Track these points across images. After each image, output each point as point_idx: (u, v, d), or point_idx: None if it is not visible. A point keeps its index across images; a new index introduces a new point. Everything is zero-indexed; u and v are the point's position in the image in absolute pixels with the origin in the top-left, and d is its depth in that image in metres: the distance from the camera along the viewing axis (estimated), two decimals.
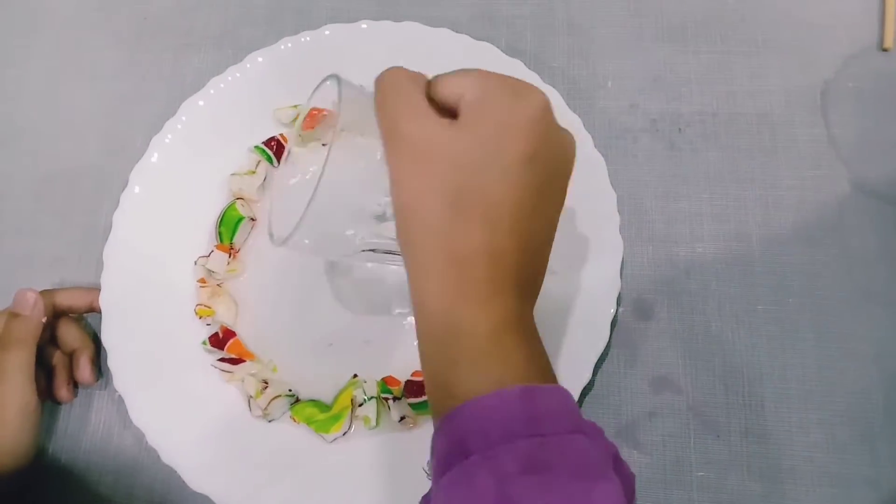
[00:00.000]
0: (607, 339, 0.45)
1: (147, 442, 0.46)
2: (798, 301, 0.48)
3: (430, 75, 0.36)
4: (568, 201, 0.49)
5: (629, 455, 0.46)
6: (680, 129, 0.53)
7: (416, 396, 0.46)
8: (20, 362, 0.45)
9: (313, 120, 0.53)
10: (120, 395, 0.47)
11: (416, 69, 0.53)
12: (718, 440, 0.46)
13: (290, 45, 0.55)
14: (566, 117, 0.50)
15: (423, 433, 0.46)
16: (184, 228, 0.52)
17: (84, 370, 0.48)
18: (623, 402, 0.47)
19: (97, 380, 0.49)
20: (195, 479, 0.45)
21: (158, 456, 0.46)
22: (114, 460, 0.49)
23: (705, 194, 0.51)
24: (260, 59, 0.54)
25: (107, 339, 0.48)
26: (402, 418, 0.46)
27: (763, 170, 0.51)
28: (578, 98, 0.53)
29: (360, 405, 0.47)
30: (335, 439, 0.46)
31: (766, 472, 0.45)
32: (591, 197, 0.49)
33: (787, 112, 0.53)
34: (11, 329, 0.46)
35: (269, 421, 0.47)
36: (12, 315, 0.46)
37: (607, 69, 0.55)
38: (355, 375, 0.48)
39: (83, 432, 0.50)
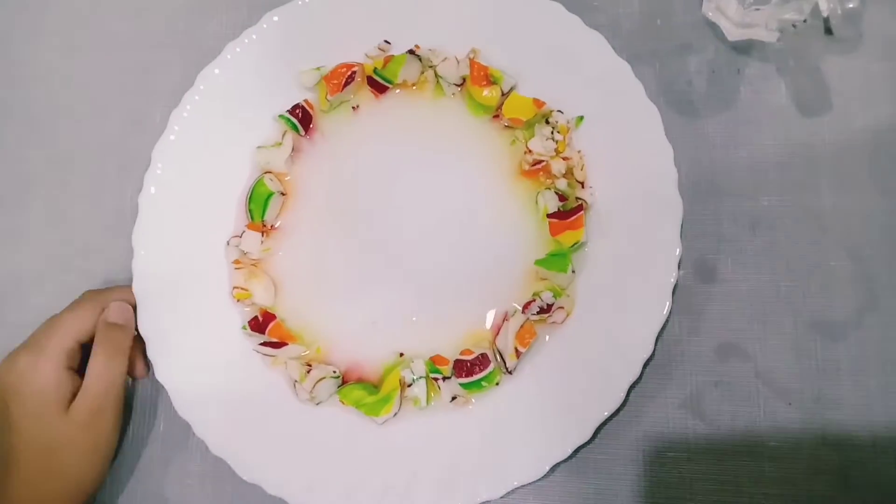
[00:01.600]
0: (669, 307, 0.42)
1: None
2: (875, 255, 0.44)
3: None
4: (621, 158, 0.46)
5: (695, 427, 0.43)
6: (738, 70, 0.48)
7: (467, 376, 0.44)
8: (122, 372, 0.46)
9: (340, 79, 0.49)
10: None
11: (443, 14, 0.49)
12: (790, 408, 0.43)
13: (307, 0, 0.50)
14: (613, 64, 0.46)
15: (477, 411, 0.44)
16: (212, 207, 0.50)
17: (138, 365, 0.48)
18: (687, 372, 0.44)
19: (147, 373, 0.48)
20: (247, 469, 0.44)
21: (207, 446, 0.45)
22: (163, 450, 0.48)
23: (769, 140, 0.47)
24: (276, 18, 0.51)
25: (144, 329, 0.47)
26: (454, 398, 0.45)
27: (833, 110, 0.47)
28: (624, 41, 0.48)
29: (409, 385, 0.45)
30: (385, 421, 0.45)
31: (843, 441, 0.42)
32: (645, 151, 0.45)
33: (860, 42, 0.47)
34: (116, 341, 0.46)
35: (317, 404, 0.46)
36: (111, 325, 0.46)
37: (654, 7, 0.50)
38: (402, 354, 0.46)
39: (130, 422, 0.49)
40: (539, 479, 0.42)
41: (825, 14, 0.43)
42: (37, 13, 0.59)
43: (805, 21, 0.43)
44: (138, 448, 0.49)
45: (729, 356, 0.44)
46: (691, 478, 0.43)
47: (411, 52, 0.49)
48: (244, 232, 0.48)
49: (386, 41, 0.50)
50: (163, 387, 0.46)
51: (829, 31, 0.44)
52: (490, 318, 0.46)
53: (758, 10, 0.44)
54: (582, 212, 0.45)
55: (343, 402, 0.45)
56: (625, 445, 0.44)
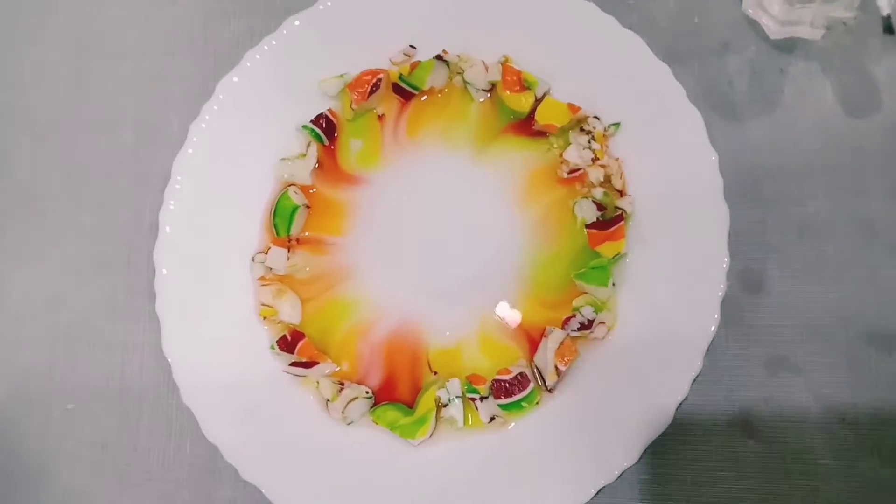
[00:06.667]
0: (717, 322, 0.40)
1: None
2: None
3: None
4: (662, 165, 0.44)
5: (744, 444, 0.42)
6: (781, 70, 0.46)
7: (506, 396, 0.42)
8: None
9: (364, 87, 0.47)
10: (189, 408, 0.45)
11: (471, 17, 0.47)
12: (844, 423, 0.41)
13: (329, 3, 0.48)
14: (652, 66, 0.44)
15: (516, 432, 0.43)
16: (235, 222, 0.48)
17: None
18: (735, 387, 0.43)
19: None
20: (279, 495, 0.42)
21: (236, 470, 0.43)
22: (190, 474, 0.47)
23: (815, 143, 0.45)
24: (297, 24, 0.48)
25: (168, 350, 0.45)
26: (493, 419, 0.43)
27: (882, 110, 0.45)
28: (661, 41, 0.46)
29: (445, 406, 0.43)
30: (421, 443, 0.43)
31: None
32: (687, 158, 0.43)
33: None
34: None
35: (348, 424, 0.44)
36: None
37: (691, 4, 0.48)
38: (435, 373, 0.45)
39: (155, 445, 0.48)
40: None
41: (885, 13, 0.41)
42: (42, 17, 0.57)
43: (855, 18, 0.41)
44: (164, 472, 0.47)
45: (779, 370, 0.42)
46: (742, 498, 0.41)
47: (439, 57, 0.47)
48: (270, 248, 0.47)
49: (411, 46, 0.48)
50: (189, 409, 0.44)
51: (889, 29, 0.42)
52: (518, 328, 0.44)
53: (804, 7, 0.42)
54: (622, 222, 0.43)
55: (377, 423, 0.44)
56: (671, 465, 0.42)
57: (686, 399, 0.41)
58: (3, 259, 0.53)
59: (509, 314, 0.45)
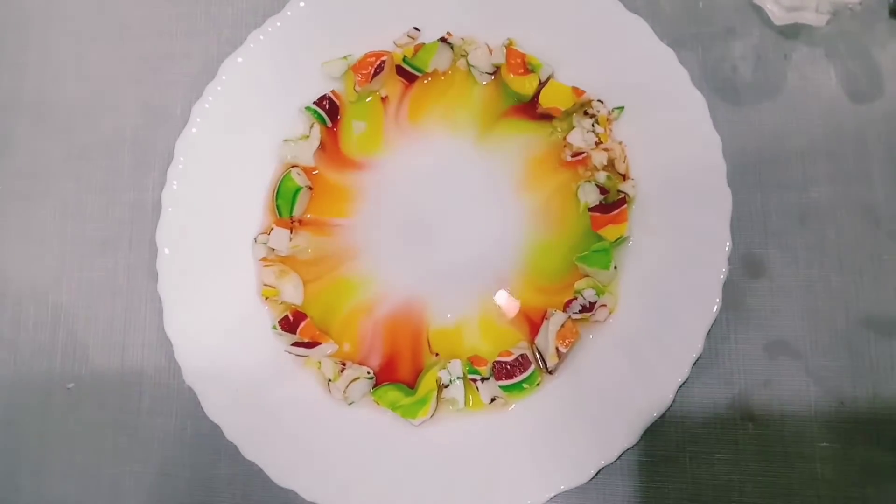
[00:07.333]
0: (719, 305, 0.40)
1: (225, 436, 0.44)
2: None
3: None
4: (666, 149, 0.44)
5: (743, 427, 0.42)
6: (785, 55, 0.46)
7: (507, 378, 0.42)
8: None
9: (368, 69, 0.47)
10: (190, 387, 0.45)
11: (475, 3, 0.47)
12: (843, 407, 0.41)
13: None
14: (657, 50, 0.44)
15: (517, 413, 0.43)
16: (238, 203, 0.48)
17: None
18: (735, 370, 0.43)
19: None
20: (280, 474, 0.42)
21: (238, 449, 0.43)
22: (190, 453, 0.47)
23: (818, 129, 0.45)
24: (302, 5, 0.48)
25: (170, 330, 0.45)
26: (493, 399, 0.43)
27: (885, 96, 0.45)
28: (665, 25, 0.46)
29: (446, 387, 0.44)
30: (422, 423, 0.43)
31: None
32: (691, 142, 0.43)
33: None
34: None
35: (350, 404, 0.44)
36: None
37: None
38: (436, 354, 0.45)
39: (156, 424, 0.48)
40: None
41: None
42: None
43: (862, 3, 0.41)
44: (165, 451, 0.47)
45: (778, 354, 0.43)
46: (741, 480, 0.42)
47: (443, 39, 0.47)
48: (272, 228, 0.47)
49: (415, 28, 0.48)
50: (190, 389, 0.45)
51: (894, 13, 0.42)
52: (516, 310, 0.44)
53: None
54: (625, 205, 0.43)
55: (378, 404, 0.44)
56: (670, 447, 0.43)
57: (686, 382, 0.42)
58: (6, 238, 0.53)
59: (509, 297, 0.45)
